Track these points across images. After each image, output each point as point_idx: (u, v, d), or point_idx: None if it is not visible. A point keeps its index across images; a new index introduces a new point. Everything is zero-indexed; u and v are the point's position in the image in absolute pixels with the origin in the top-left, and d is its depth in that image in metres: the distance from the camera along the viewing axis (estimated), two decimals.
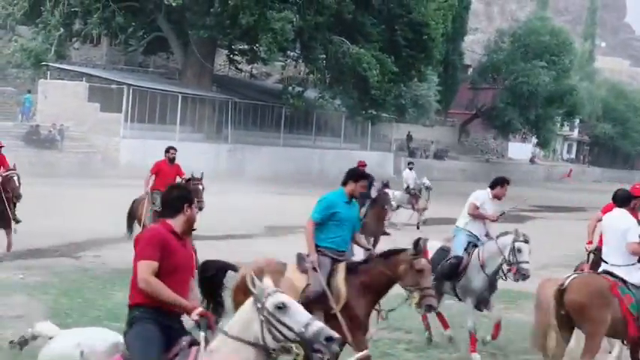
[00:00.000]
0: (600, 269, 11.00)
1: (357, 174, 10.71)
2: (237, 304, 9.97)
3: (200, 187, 18.17)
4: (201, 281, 9.48)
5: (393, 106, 58.41)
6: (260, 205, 32.55)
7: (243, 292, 9.89)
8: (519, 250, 12.94)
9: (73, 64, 53.60)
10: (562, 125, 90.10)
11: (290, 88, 55.19)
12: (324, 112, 58.20)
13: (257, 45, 51.84)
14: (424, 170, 64.80)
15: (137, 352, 6.42)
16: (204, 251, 18.38)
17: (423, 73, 58.04)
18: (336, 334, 6.10)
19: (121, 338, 6.70)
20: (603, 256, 11.02)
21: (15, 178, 17.45)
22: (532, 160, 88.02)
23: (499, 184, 13.55)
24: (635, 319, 10.53)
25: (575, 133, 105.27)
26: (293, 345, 6.03)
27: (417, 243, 9.90)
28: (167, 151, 19.39)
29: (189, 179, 18.35)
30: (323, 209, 10.43)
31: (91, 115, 47.01)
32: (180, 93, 50.26)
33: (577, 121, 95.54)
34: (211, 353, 6.26)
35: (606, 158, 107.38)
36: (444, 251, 13.26)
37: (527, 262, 12.89)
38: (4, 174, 17.56)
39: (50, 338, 7.02)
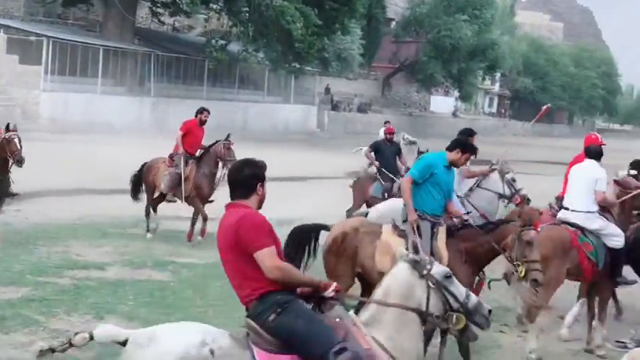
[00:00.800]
0: (560, 215, 11.26)
1: (467, 145, 10.31)
2: (329, 266, 10.04)
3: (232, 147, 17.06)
4: (294, 244, 9.66)
5: (317, 59, 58.38)
6: None
7: (334, 253, 10.00)
8: (514, 180, 13.04)
9: None
10: (484, 79, 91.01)
11: (213, 41, 54.67)
12: (247, 65, 57.77)
13: None
14: (347, 124, 65.15)
15: (320, 331, 5.78)
16: (131, 208, 18.37)
17: (346, 27, 57.82)
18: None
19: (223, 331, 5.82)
20: (565, 203, 11.25)
21: (16, 140, 15.16)
22: (454, 114, 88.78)
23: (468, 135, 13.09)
24: (595, 264, 10.89)
25: (497, 87, 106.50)
26: (454, 315, 5.98)
27: (527, 214, 9.58)
28: (200, 112, 17.65)
29: (216, 141, 17.30)
30: (422, 168, 10.07)
31: (10, 67, 46.02)
32: (102, 46, 49.49)
33: (498, 75, 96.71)
34: (371, 325, 6.01)
35: (527, 112, 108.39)
36: None
37: (523, 188, 13.11)
38: (5, 136, 15.15)
39: (123, 343, 5.57)
